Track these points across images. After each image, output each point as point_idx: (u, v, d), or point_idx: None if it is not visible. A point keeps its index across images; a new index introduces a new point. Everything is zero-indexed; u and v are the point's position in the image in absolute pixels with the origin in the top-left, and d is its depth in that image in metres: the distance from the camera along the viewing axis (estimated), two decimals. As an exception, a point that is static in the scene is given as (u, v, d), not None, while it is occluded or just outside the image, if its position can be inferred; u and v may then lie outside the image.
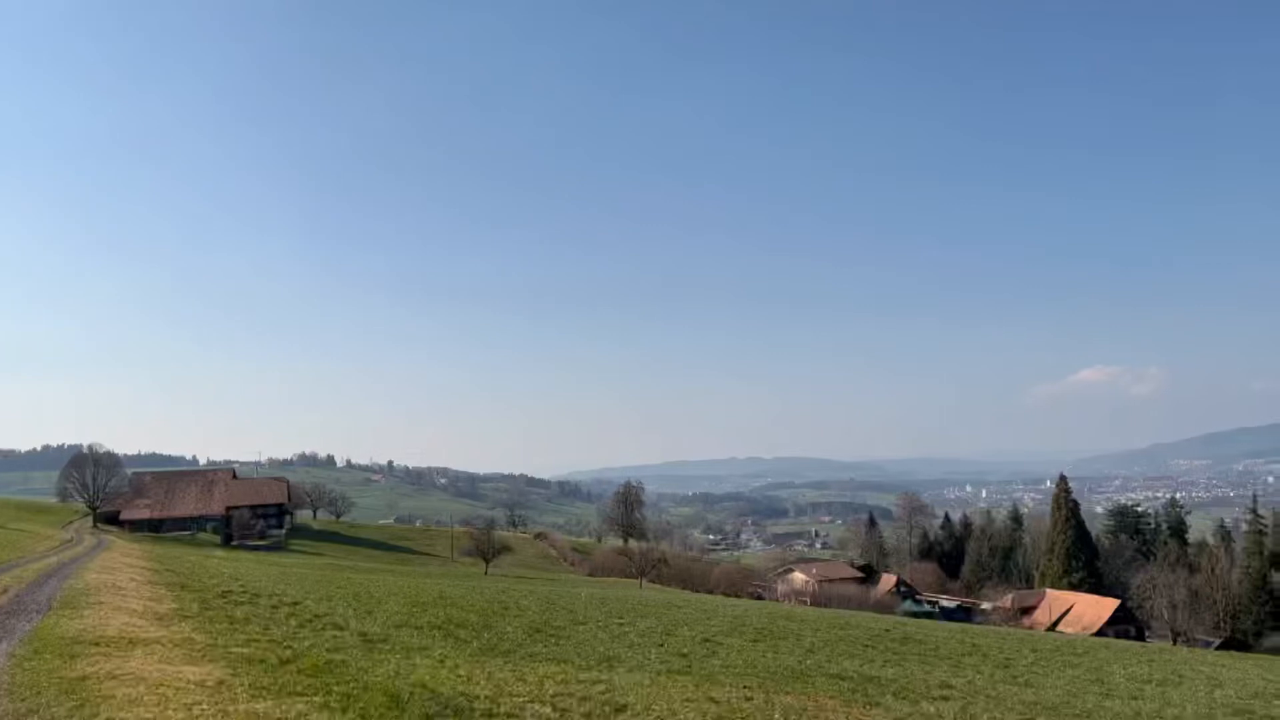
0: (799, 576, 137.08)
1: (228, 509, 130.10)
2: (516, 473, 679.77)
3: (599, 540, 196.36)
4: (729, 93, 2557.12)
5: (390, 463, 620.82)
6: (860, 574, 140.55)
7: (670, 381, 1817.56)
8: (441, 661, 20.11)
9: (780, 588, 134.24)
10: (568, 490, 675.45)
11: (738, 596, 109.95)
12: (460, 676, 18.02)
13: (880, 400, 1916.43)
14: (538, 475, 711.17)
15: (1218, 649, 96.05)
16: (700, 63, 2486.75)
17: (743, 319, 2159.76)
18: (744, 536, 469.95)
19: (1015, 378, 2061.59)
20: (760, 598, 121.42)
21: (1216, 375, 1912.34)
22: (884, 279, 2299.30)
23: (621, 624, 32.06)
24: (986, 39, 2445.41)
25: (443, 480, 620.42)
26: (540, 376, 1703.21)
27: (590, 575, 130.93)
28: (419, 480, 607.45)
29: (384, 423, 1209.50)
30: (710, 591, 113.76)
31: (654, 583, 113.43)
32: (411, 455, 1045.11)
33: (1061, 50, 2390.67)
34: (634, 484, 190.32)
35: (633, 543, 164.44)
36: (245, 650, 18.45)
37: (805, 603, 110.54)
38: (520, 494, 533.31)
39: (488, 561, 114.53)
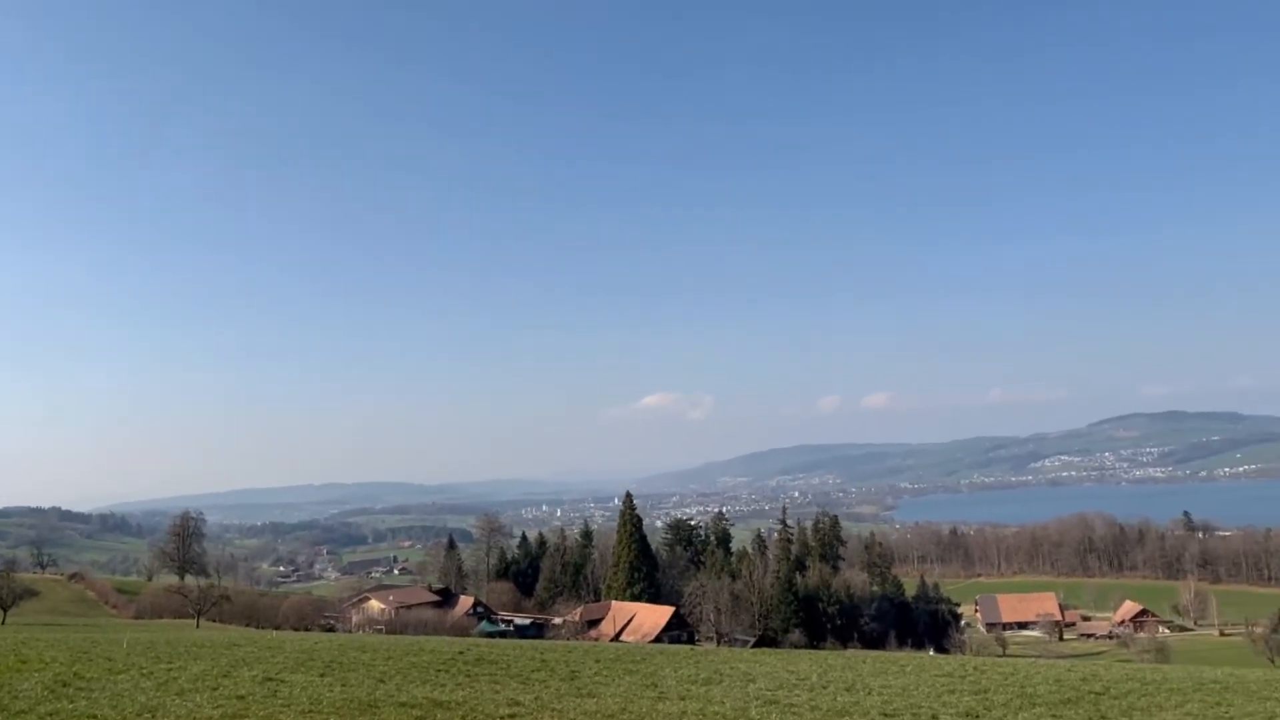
0: (375, 604, 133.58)
1: None
2: (47, 505, 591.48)
3: (149, 579, 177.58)
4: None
5: None
6: (438, 598, 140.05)
7: (237, 404, 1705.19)
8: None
9: (355, 617, 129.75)
10: (112, 524, 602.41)
11: (309, 630, 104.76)
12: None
13: (462, 424, 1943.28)
14: (74, 508, 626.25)
15: (753, 647, 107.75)
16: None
17: (317, 344, 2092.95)
18: (318, 567, 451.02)
19: (589, 402, 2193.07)
20: (333, 629, 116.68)
21: (754, 402, 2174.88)
22: (464, 321, 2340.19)
23: (170, 669, 28.91)
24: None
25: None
26: (91, 396, 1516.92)
27: (138, 618, 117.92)
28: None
29: None
30: (278, 627, 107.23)
31: (214, 621, 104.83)
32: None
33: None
34: (193, 514, 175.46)
35: (190, 579, 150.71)
36: None
37: (381, 631, 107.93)
38: (51, 530, 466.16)
39: (4, 610, 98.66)
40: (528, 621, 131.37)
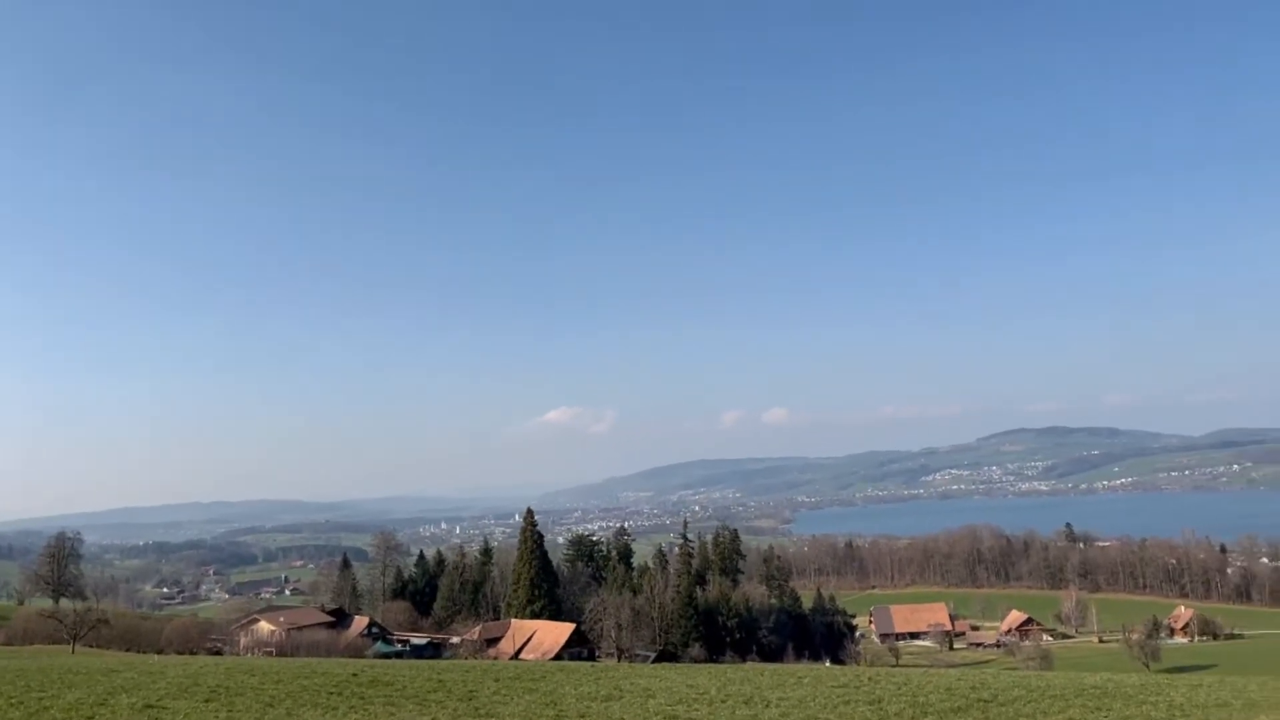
0: (265, 626, 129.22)
1: None
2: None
3: (20, 603, 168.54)
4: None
5: None
6: (331, 618, 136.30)
7: (117, 421, 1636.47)
8: None
9: (244, 640, 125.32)
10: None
11: (194, 654, 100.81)
12: None
13: (356, 441, 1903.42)
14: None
15: (654, 662, 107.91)
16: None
17: (200, 359, 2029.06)
18: (204, 588, 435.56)
19: (490, 418, 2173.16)
20: (220, 653, 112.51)
21: (658, 417, 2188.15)
22: (357, 336, 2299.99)
23: (42, 699, 27.44)
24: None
25: None
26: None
27: (8, 644, 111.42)
28: None
29: None
30: (161, 651, 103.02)
31: (92, 647, 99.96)
32: None
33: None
34: (69, 534, 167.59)
35: (66, 603, 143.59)
36: None
37: (271, 653, 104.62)
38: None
39: None
40: (425, 641, 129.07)
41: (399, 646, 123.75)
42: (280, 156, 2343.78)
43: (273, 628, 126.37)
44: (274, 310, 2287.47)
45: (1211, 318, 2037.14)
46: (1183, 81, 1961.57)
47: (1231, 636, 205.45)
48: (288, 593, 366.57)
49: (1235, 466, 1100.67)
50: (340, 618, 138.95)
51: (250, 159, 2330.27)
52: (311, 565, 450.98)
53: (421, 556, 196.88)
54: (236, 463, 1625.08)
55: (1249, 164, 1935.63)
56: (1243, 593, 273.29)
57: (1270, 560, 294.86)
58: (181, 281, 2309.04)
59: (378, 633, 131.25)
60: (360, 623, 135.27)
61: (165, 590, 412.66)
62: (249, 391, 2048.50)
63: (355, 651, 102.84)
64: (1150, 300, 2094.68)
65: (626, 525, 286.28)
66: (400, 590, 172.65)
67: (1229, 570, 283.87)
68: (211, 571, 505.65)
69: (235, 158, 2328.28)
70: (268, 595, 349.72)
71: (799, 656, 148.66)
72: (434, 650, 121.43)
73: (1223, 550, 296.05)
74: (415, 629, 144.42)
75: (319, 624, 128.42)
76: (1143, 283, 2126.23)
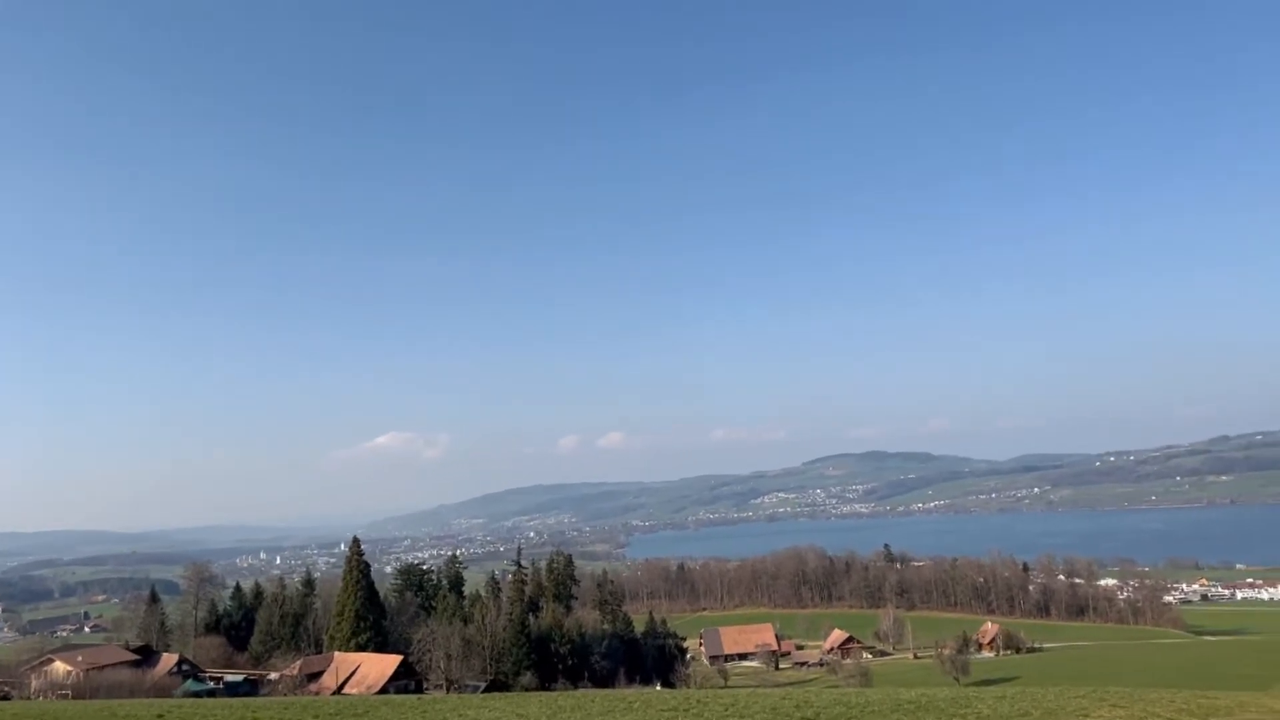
0: (61, 667, 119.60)
1: None
2: None
3: None
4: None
5: None
6: (137, 656, 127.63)
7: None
8: None
9: (36, 682, 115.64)
10: None
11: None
12: None
13: (167, 466, 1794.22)
14: None
15: (484, 691, 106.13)
16: None
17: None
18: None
19: (314, 442, 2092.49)
20: (8, 697, 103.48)
21: (494, 442, 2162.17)
22: (162, 357, 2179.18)
23: None
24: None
25: None
26: None
27: None
28: None
29: None
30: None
31: None
32: None
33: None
34: None
35: None
36: None
37: (67, 696, 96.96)
38: None
39: None
40: (240, 678, 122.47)
41: (211, 684, 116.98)
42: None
43: (69, 668, 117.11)
44: (71, 320, 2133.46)
45: (1018, 350, 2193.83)
46: (970, 132, 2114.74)
47: (1033, 650, 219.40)
48: (88, 630, 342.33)
49: (1036, 489, 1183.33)
50: (146, 655, 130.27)
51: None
52: (115, 600, 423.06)
53: (238, 588, 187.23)
54: (28, 490, 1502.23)
55: (1063, 200, 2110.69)
56: (1042, 608, 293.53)
57: (1066, 577, 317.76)
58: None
59: (188, 670, 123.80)
60: (169, 660, 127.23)
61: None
62: (37, 413, 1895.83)
63: (163, 691, 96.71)
64: (962, 333, 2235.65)
65: (459, 553, 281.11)
66: (214, 625, 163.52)
67: (1030, 587, 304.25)
68: (1, 608, 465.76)
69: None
70: (65, 633, 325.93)
71: (630, 681, 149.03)
72: (250, 687, 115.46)
73: (1025, 569, 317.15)
74: (230, 665, 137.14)
75: (122, 663, 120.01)
76: (957, 318, 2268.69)
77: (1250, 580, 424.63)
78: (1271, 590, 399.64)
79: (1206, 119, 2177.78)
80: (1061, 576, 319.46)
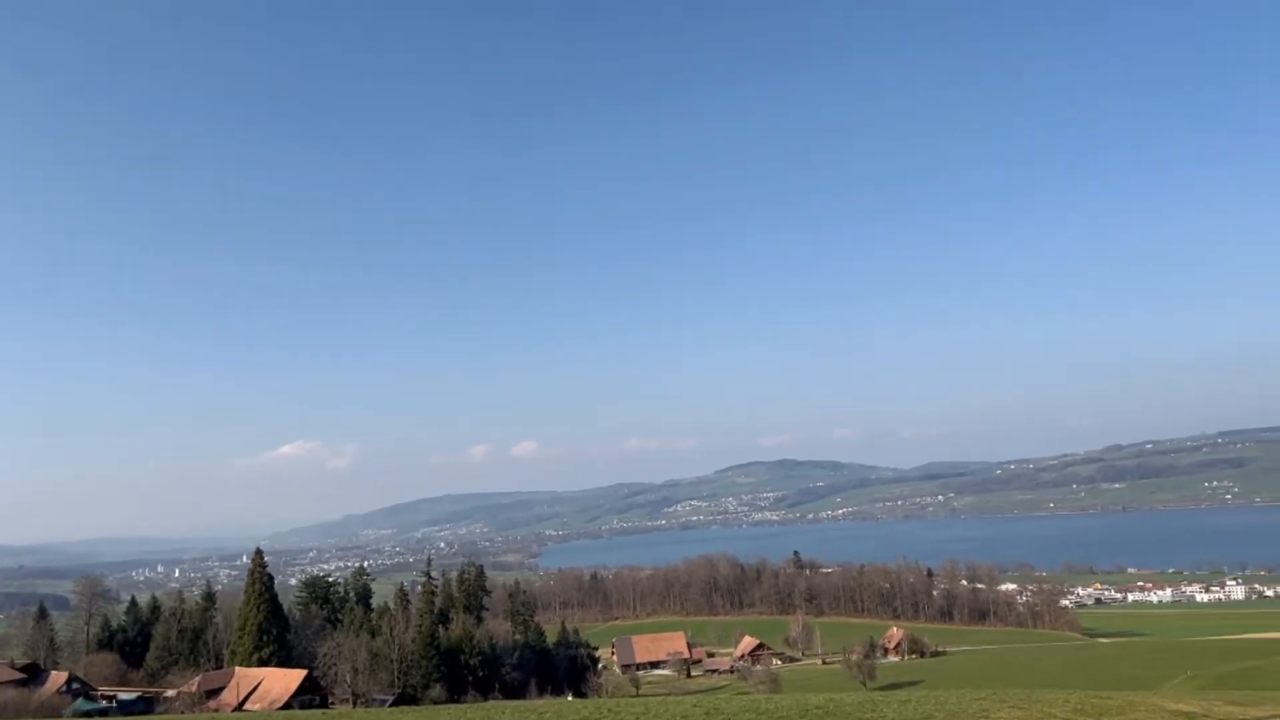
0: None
1: None
2: None
3: None
4: None
5: None
6: (23, 675, 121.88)
7: None
8: None
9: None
10: None
11: None
12: None
13: (55, 475, 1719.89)
14: None
15: (391, 705, 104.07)
16: None
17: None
18: None
19: (214, 451, 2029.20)
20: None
21: (403, 450, 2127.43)
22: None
23: None
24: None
25: None
26: None
27: None
28: None
29: None
30: None
31: None
32: None
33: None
34: None
35: None
36: None
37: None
38: None
39: None
40: (134, 696, 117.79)
41: (104, 703, 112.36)
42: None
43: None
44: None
45: (919, 363, 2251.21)
46: (875, 149, 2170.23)
47: (937, 654, 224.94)
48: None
49: (940, 497, 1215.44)
50: (33, 674, 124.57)
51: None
52: (2, 616, 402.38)
53: (133, 603, 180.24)
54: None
55: (945, 212, 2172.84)
56: (946, 613, 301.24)
57: (969, 582, 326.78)
58: None
59: (79, 689, 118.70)
60: (58, 679, 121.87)
61: None
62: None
63: (51, 711, 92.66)
64: (865, 344, 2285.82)
65: (366, 564, 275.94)
66: (107, 641, 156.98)
67: (934, 593, 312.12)
68: None
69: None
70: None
71: (542, 692, 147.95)
72: (145, 705, 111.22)
73: (929, 574, 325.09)
74: (124, 683, 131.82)
75: (6, 682, 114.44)
76: (860, 327, 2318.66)
77: (1140, 584, 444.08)
78: (1160, 593, 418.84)
79: (1081, 128, 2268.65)
80: (964, 582, 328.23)
